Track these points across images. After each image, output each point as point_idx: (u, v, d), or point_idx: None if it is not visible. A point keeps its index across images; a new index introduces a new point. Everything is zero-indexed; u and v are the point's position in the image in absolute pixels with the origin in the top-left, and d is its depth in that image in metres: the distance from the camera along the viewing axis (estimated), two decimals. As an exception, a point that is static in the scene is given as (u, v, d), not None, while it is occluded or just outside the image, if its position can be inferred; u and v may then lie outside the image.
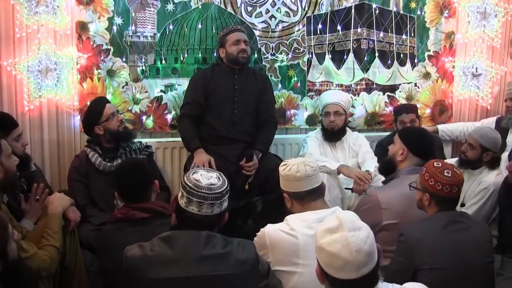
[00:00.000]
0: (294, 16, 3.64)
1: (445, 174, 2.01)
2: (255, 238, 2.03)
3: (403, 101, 3.90)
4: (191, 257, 1.67)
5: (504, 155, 3.11)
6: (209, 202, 1.71)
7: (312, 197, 2.05)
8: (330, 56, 3.74)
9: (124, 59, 3.33)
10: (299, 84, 3.70)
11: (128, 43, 3.33)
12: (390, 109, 3.87)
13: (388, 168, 2.59)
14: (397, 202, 2.29)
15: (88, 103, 3.14)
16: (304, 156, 3.22)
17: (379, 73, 3.86)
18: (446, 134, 3.77)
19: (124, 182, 2.18)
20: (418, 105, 3.90)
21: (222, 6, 3.49)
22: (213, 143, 3.06)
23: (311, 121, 3.76)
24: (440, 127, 3.81)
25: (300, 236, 1.92)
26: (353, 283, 1.37)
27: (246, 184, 2.99)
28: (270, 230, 1.97)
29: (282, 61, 3.65)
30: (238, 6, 3.52)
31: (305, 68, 3.71)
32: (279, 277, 1.93)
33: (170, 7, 3.37)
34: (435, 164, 2.06)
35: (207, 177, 1.75)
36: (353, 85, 3.83)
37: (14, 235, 1.63)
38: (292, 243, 1.92)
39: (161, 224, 1.88)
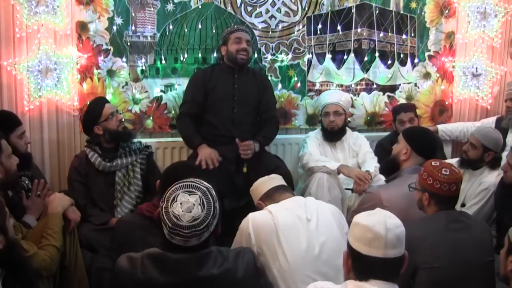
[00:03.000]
0: (294, 16, 3.64)
1: (443, 172, 2.01)
2: (240, 225, 2.08)
3: (403, 101, 3.90)
4: (180, 284, 1.54)
5: (504, 155, 3.11)
6: (194, 238, 1.53)
7: (280, 191, 2.22)
8: (330, 56, 3.74)
9: (124, 59, 3.33)
10: (299, 84, 3.70)
11: (128, 43, 3.33)
12: (390, 109, 3.87)
13: (391, 167, 2.61)
14: (400, 201, 2.30)
15: (88, 103, 3.14)
16: (304, 156, 3.23)
17: (379, 73, 3.87)
18: (446, 134, 3.77)
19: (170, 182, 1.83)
20: (418, 105, 3.91)
21: (222, 6, 3.49)
22: (213, 143, 3.06)
23: (311, 121, 3.76)
24: (440, 127, 3.81)
25: (280, 218, 2.02)
26: (375, 264, 1.46)
27: (244, 167, 2.98)
28: (253, 215, 2.08)
29: (282, 61, 3.65)
30: (238, 6, 3.52)
31: (305, 68, 3.70)
32: (264, 261, 1.95)
33: (170, 7, 3.37)
34: (433, 163, 2.06)
35: (188, 207, 1.51)
36: (353, 85, 3.83)
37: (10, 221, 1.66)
38: (273, 223, 2.01)
39: None
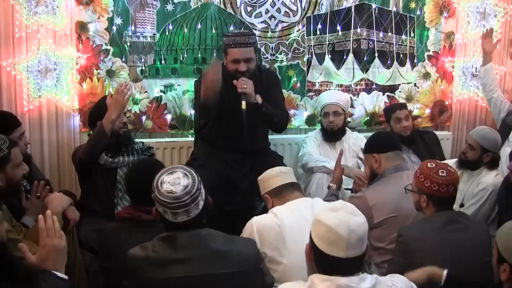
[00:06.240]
0: (293, 16, 3.64)
1: (440, 174, 2.01)
2: (243, 229, 2.07)
3: (403, 101, 3.89)
4: (193, 257, 1.66)
5: (506, 151, 3.11)
6: (194, 204, 1.66)
7: (289, 189, 2.17)
8: (330, 56, 3.74)
9: (123, 59, 3.34)
10: (298, 84, 3.70)
11: (128, 43, 3.33)
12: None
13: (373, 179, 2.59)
14: (387, 199, 2.32)
15: (89, 102, 3.17)
16: (304, 156, 3.23)
17: (379, 73, 3.87)
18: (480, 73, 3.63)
19: (135, 186, 2.13)
20: (417, 105, 3.93)
21: (222, 6, 3.49)
22: (220, 150, 2.94)
23: (311, 121, 3.76)
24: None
25: (285, 220, 2.00)
26: (338, 263, 1.43)
27: (241, 104, 2.67)
28: (257, 219, 2.06)
29: (281, 61, 3.65)
30: (238, 6, 3.52)
31: (305, 68, 3.71)
32: (268, 263, 1.96)
33: (169, 7, 3.37)
34: (428, 165, 2.06)
35: (175, 181, 1.66)
36: (352, 85, 3.83)
37: (4, 225, 1.66)
38: (278, 226, 2.00)
39: None
